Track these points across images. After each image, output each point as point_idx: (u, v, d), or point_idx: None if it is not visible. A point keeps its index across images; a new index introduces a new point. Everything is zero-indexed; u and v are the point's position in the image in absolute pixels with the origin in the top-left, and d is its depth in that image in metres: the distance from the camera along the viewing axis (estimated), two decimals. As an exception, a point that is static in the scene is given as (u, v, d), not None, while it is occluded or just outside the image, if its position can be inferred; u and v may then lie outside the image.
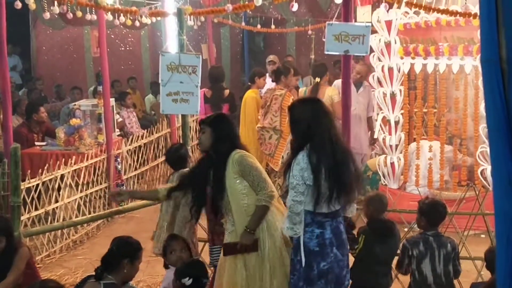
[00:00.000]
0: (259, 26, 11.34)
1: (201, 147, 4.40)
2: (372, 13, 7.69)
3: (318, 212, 3.81)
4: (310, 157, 3.75)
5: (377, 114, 7.85)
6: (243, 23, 11.54)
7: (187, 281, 3.55)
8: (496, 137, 0.94)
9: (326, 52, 5.56)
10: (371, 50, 7.26)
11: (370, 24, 5.82)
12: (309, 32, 11.08)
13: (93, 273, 3.77)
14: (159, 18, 8.32)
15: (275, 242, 4.11)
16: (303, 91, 8.36)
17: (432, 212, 4.29)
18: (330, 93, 7.86)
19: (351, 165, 3.90)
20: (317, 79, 8.06)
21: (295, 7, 6.29)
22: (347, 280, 4.07)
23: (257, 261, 4.11)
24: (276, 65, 9.59)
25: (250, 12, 11.47)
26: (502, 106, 0.92)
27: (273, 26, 11.10)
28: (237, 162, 4.12)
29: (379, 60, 7.49)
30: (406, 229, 5.29)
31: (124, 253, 3.68)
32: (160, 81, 5.68)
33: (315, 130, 3.79)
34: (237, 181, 4.14)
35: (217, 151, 4.25)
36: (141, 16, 7.45)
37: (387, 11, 7.32)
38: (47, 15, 7.38)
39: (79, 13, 7.41)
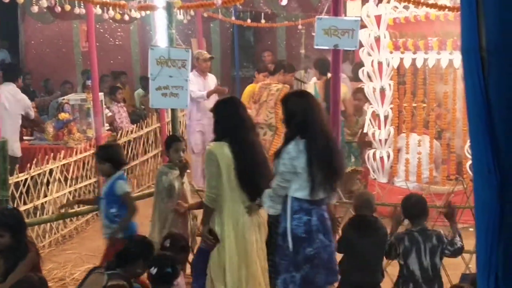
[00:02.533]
0: (249, 20, 11.32)
1: None
2: (361, 8, 7.70)
3: (305, 199, 4.02)
4: (306, 147, 3.96)
5: (367, 108, 7.86)
6: (233, 18, 11.49)
7: (152, 270, 3.72)
8: (476, 125, 0.95)
9: (315, 47, 5.56)
10: (361, 45, 7.28)
11: (359, 18, 5.83)
12: (300, 26, 11.06)
13: (97, 266, 3.83)
14: (148, 12, 8.27)
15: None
16: (312, 86, 8.21)
17: (406, 206, 4.35)
18: (345, 90, 7.69)
19: (340, 154, 4.22)
20: (329, 75, 7.99)
21: (284, 1, 6.27)
22: (336, 266, 4.27)
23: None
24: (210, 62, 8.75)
25: (240, 7, 11.44)
26: (482, 95, 0.93)
27: (263, 21, 11.07)
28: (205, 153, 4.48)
29: (369, 54, 7.50)
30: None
31: (141, 254, 3.83)
32: (149, 75, 5.66)
33: (310, 121, 4.01)
34: None
35: None
36: (130, 10, 7.41)
37: (377, 5, 7.32)
38: (35, 8, 7.32)
39: (67, 7, 7.36)
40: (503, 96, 0.93)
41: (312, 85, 8.21)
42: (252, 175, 4.32)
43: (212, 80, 8.71)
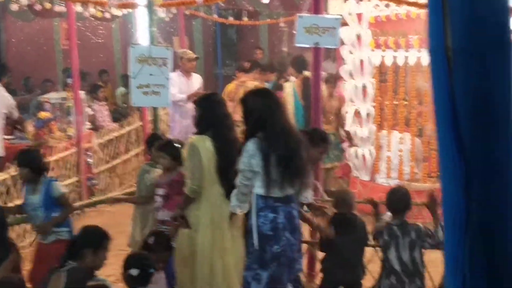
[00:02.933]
0: (231, 18, 11.30)
1: None
2: (343, 6, 7.72)
3: (270, 196, 4.03)
4: (261, 145, 3.98)
5: (349, 106, 7.88)
6: (215, 16, 11.49)
7: (133, 271, 3.60)
8: (442, 124, 0.96)
9: (296, 45, 5.57)
10: (343, 43, 7.31)
11: (340, 16, 5.84)
12: (282, 24, 11.08)
13: (55, 267, 3.74)
14: (130, 10, 8.22)
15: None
16: (291, 85, 8.21)
17: (391, 199, 4.38)
18: (323, 87, 7.64)
19: (304, 153, 4.12)
20: (306, 73, 8.00)
21: (266, -1, 6.28)
22: (299, 264, 4.27)
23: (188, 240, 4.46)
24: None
25: (222, 4, 11.43)
26: (448, 93, 0.94)
27: (245, 19, 11.06)
28: (187, 146, 4.50)
29: (350, 52, 7.53)
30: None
31: (86, 242, 3.67)
32: (129, 74, 5.63)
33: (267, 120, 4.03)
34: None
35: None
36: (110, 8, 7.37)
37: (358, 3, 7.35)
38: (15, 7, 7.27)
39: (47, 5, 7.32)
40: (468, 95, 0.94)
41: (291, 83, 8.23)
42: (232, 172, 4.34)
43: (196, 80, 8.52)
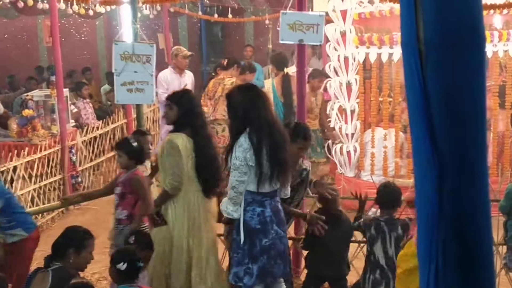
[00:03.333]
0: (216, 15, 11.27)
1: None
2: (328, 2, 7.72)
3: (259, 191, 4.02)
4: (251, 138, 3.97)
5: (334, 103, 7.90)
6: (200, 13, 11.44)
7: (122, 266, 3.59)
8: (415, 117, 0.97)
9: (280, 42, 5.57)
10: (327, 40, 7.32)
11: (324, 13, 5.84)
12: (267, 21, 11.06)
13: (39, 267, 3.75)
14: (114, 7, 8.18)
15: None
16: (270, 82, 8.19)
17: (381, 194, 4.40)
18: None
19: (287, 147, 4.12)
20: (286, 70, 7.99)
21: (250, -4, 6.27)
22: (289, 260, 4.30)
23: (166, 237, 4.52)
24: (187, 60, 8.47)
25: (207, 1, 11.40)
26: (420, 87, 0.95)
27: (230, 16, 11.04)
28: (165, 143, 4.52)
29: (335, 49, 7.54)
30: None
31: (69, 242, 3.70)
32: (113, 71, 5.60)
33: (253, 114, 4.02)
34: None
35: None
36: (94, 5, 7.33)
37: (342, 0, 7.37)
38: (-3, 3, 7.20)
39: (30, 2, 7.25)
40: (440, 88, 0.94)
41: (270, 80, 8.24)
42: (211, 169, 4.42)
43: (189, 77, 8.52)
